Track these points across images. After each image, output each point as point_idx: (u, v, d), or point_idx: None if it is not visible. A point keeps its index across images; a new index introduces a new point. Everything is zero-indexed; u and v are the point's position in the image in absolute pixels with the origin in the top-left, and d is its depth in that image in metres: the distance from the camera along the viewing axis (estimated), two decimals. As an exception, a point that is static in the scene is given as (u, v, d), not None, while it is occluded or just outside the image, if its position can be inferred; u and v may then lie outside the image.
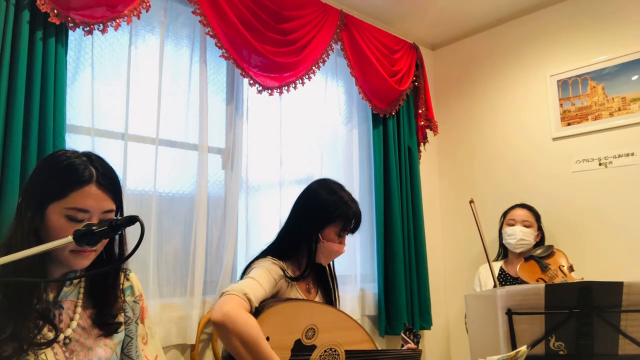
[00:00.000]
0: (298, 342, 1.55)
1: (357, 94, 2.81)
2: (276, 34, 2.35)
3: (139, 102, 2.01)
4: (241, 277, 1.65)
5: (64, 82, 1.74)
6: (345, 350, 1.62)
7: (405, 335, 1.82)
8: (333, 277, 1.86)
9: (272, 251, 1.72)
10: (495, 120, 3.15)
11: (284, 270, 1.65)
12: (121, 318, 1.23)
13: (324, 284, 1.83)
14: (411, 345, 1.78)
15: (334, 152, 2.78)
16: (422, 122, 3.09)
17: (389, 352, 1.78)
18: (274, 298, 1.64)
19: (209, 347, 2.11)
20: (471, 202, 2.19)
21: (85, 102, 1.87)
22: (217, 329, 1.43)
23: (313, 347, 1.57)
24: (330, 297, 1.83)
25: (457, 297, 3.23)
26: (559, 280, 2.33)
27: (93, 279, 1.19)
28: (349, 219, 1.69)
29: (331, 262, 1.86)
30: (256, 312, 1.51)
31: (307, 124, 2.64)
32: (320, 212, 1.68)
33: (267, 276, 1.59)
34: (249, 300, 1.47)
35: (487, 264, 2.64)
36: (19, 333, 1.01)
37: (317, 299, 1.79)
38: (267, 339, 1.46)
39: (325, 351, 1.59)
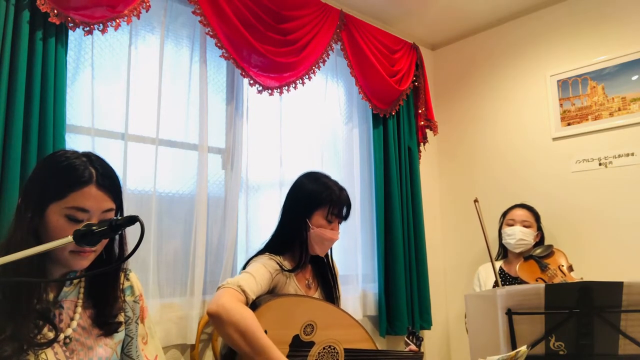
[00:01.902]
0: (296, 338, 1.55)
1: (357, 94, 2.81)
2: (276, 34, 2.35)
3: (139, 102, 2.01)
4: (239, 274, 1.66)
5: (64, 82, 1.74)
6: (345, 349, 1.62)
7: (409, 339, 1.83)
8: (333, 274, 1.86)
9: (269, 247, 1.75)
10: (495, 120, 3.15)
11: (280, 264, 1.66)
12: (121, 318, 1.23)
13: (325, 281, 1.84)
14: (413, 347, 1.78)
15: (334, 152, 2.78)
16: (422, 122, 3.08)
17: (390, 353, 1.78)
18: (272, 293, 1.64)
19: (209, 347, 2.11)
20: (475, 201, 2.19)
21: (85, 102, 1.87)
22: (213, 321, 1.45)
23: (311, 344, 1.57)
24: (330, 294, 1.83)
25: (457, 297, 3.23)
26: (558, 280, 2.33)
27: (93, 279, 1.19)
28: (333, 202, 1.71)
29: (332, 259, 1.86)
30: (254, 306, 1.52)
31: (307, 124, 2.64)
32: (305, 199, 1.73)
33: (262, 270, 1.61)
34: (244, 292, 1.49)
35: (486, 264, 2.66)
36: (19, 333, 1.01)
37: (316, 295, 1.80)
38: (265, 332, 1.46)
39: (324, 348, 1.59)
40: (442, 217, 3.38)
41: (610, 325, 1.33)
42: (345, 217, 1.78)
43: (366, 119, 2.97)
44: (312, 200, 1.72)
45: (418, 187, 3.02)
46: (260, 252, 1.74)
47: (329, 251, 1.86)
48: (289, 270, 1.68)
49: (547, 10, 2.96)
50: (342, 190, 1.76)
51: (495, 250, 2.78)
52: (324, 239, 1.72)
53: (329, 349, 1.60)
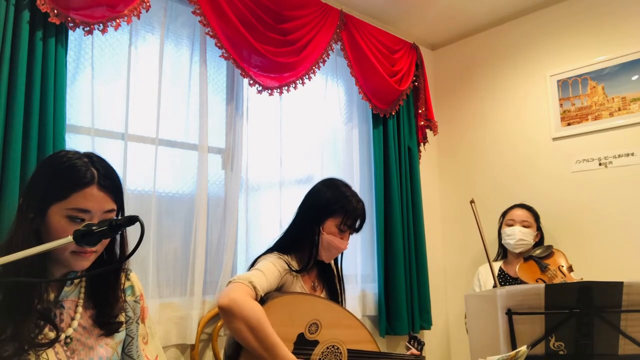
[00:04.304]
0: (301, 336, 1.56)
1: (357, 94, 2.81)
2: (276, 34, 2.35)
3: (139, 102, 2.01)
4: (247, 271, 1.67)
5: (64, 82, 1.74)
6: (348, 349, 1.62)
7: (410, 343, 1.83)
8: (340, 279, 1.87)
9: (278, 246, 1.76)
10: (495, 120, 3.15)
11: (288, 264, 1.67)
12: (122, 318, 1.23)
13: (330, 285, 1.84)
14: (414, 351, 1.78)
15: (334, 152, 2.78)
16: (422, 122, 3.09)
17: (393, 356, 1.78)
18: (279, 291, 1.65)
19: (209, 347, 2.11)
20: (472, 202, 2.19)
21: (85, 102, 1.87)
22: (223, 314, 1.46)
23: (316, 343, 1.58)
24: (335, 298, 1.84)
25: (457, 297, 3.23)
26: (558, 280, 2.33)
27: (94, 279, 1.20)
28: (347, 212, 1.72)
29: (339, 264, 1.87)
30: (261, 302, 1.53)
31: (307, 124, 2.64)
32: (321, 205, 1.73)
33: (272, 268, 1.62)
34: (255, 288, 1.51)
35: (486, 264, 2.66)
36: (20, 333, 1.01)
37: (322, 296, 1.80)
38: None
39: (327, 348, 1.59)
40: (442, 217, 3.39)
41: (610, 325, 1.33)
42: (358, 229, 1.78)
43: (366, 119, 2.97)
44: (328, 207, 1.72)
45: (418, 187, 3.02)
46: (269, 251, 1.75)
47: (340, 257, 1.86)
48: (296, 271, 1.69)
49: (547, 10, 2.96)
50: (359, 202, 1.76)
51: (494, 250, 2.78)
52: (331, 247, 1.73)
53: (332, 349, 1.60)
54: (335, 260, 1.88)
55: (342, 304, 1.84)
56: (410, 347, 1.81)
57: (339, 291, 1.86)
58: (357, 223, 1.76)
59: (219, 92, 2.33)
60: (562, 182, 2.81)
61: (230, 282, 1.53)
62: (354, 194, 1.77)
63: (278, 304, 1.54)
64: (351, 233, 1.78)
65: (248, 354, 1.48)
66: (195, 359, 2.02)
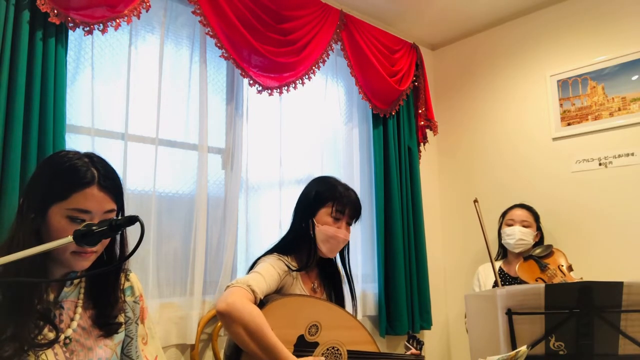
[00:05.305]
0: (301, 338, 1.56)
1: (357, 94, 2.81)
2: (276, 34, 2.35)
3: (139, 102, 2.01)
4: (247, 273, 1.67)
5: (64, 82, 1.74)
6: (348, 350, 1.62)
7: (409, 342, 1.83)
8: (350, 280, 1.86)
9: (278, 247, 1.76)
10: (495, 120, 3.15)
11: (288, 265, 1.67)
12: (121, 318, 1.23)
13: (332, 286, 1.84)
14: (414, 351, 1.78)
15: (334, 152, 2.78)
16: (422, 122, 3.09)
17: (392, 356, 1.78)
18: (279, 293, 1.65)
19: (209, 347, 2.11)
20: (475, 201, 2.19)
21: (85, 102, 1.87)
22: (222, 319, 1.46)
23: (316, 344, 1.58)
24: (336, 299, 1.83)
25: (457, 297, 3.23)
26: (558, 280, 2.33)
27: (93, 280, 1.20)
28: (336, 199, 1.73)
29: (347, 264, 1.85)
30: (260, 304, 1.53)
31: (307, 124, 2.64)
32: (311, 200, 1.75)
33: (271, 270, 1.62)
34: (253, 292, 1.50)
35: (486, 264, 2.66)
36: (20, 333, 1.01)
37: (322, 298, 1.80)
38: None
39: (327, 349, 1.59)
40: (442, 217, 3.38)
41: (610, 325, 1.33)
42: (353, 217, 1.78)
43: (366, 119, 2.97)
44: (317, 198, 1.74)
45: (418, 187, 3.02)
46: (269, 252, 1.74)
47: (347, 258, 1.85)
48: (296, 270, 1.69)
49: (547, 10, 2.96)
50: (348, 189, 1.78)
51: (494, 250, 2.78)
52: (329, 237, 1.72)
53: (332, 350, 1.60)
54: (343, 261, 1.87)
55: (353, 306, 1.84)
56: (410, 347, 1.80)
57: (349, 292, 1.85)
58: (349, 210, 1.75)
59: (219, 92, 2.33)
60: (562, 182, 2.81)
61: (228, 286, 1.53)
62: (343, 184, 1.79)
63: (278, 306, 1.54)
64: (348, 223, 1.77)
65: (248, 356, 1.48)
66: (195, 359, 2.02)
